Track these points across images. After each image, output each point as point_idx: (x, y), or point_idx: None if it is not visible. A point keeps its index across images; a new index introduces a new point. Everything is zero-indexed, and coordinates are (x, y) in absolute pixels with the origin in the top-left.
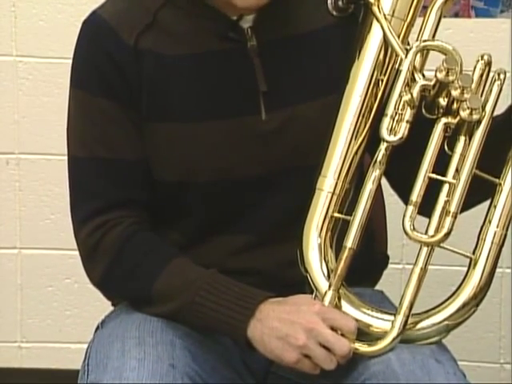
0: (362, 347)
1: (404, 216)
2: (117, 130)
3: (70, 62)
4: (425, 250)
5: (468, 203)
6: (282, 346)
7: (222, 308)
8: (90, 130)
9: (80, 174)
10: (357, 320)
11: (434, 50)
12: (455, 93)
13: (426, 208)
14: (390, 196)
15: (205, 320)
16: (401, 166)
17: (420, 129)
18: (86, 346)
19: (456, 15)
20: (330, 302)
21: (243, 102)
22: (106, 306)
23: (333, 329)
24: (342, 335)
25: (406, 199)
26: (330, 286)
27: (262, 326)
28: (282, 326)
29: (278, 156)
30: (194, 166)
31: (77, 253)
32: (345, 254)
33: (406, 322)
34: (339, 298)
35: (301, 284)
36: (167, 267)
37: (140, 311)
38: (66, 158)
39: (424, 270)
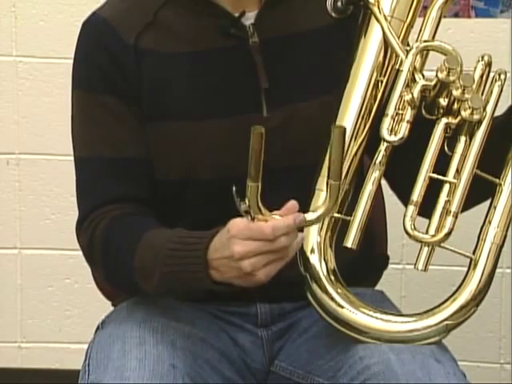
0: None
1: (405, 216)
2: (120, 126)
3: (71, 62)
4: (425, 249)
5: (468, 203)
6: (244, 280)
7: (185, 271)
8: (92, 129)
9: (83, 174)
10: (357, 321)
11: (434, 50)
12: (456, 92)
13: (425, 209)
14: (390, 196)
15: (181, 284)
16: (399, 168)
17: (418, 130)
18: (86, 346)
19: (456, 15)
20: (251, 194)
21: (245, 99)
22: (106, 306)
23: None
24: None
25: (404, 201)
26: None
27: (219, 273)
28: (228, 268)
29: (278, 154)
30: (195, 164)
31: (77, 253)
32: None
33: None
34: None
35: (300, 284)
36: (138, 247)
37: (143, 295)
38: (66, 158)
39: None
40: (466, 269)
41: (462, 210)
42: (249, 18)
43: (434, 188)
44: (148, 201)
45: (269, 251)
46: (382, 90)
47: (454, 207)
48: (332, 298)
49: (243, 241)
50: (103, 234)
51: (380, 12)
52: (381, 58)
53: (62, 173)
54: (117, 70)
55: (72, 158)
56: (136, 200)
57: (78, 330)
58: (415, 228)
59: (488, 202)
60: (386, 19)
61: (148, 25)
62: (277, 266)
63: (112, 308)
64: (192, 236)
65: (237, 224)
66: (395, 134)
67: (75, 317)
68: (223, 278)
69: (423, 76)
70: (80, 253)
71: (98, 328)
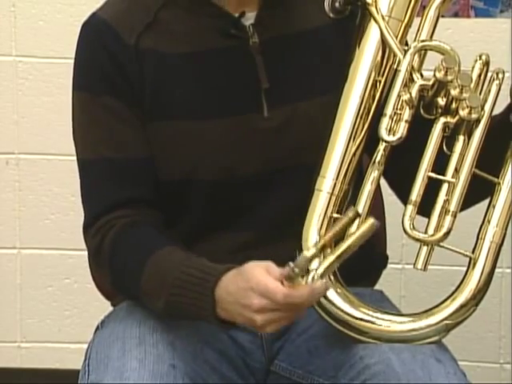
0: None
1: (404, 215)
2: (122, 128)
3: (71, 61)
4: (424, 249)
5: (466, 202)
6: (250, 325)
7: (191, 304)
8: (94, 130)
9: (87, 176)
10: (356, 320)
11: (431, 50)
12: (454, 92)
13: (424, 208)
14: (390, 196)
15: (186, 314)
16: (399, 166)
17: (417, 128)
18: (85, 345)
19: (456, 15)
20: (303, 264)
21: (245, 99)
22: (106, 306)
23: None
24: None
25: (403, 198)
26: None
27: (228, 313)
28: (239, 314)
29: (279, 153)
30: (196, 164)
31: (76, 253)
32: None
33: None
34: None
35: None
36: (147, 264)
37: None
38: (66, 158)
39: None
40: (465, 268)
41: (461, 209)
42: (249, 19)
43: (433, 187)
44: (153, 202)
45: (281, 309)
46: (380, 90)
47: (452, 206)
48: (331, 298)
49: (260, 296)
50: (111, 246)
51: (378, 12)
52: (379, 58)
53: (62, 173)
54: (118, 70)
55: (72, 157)
56: (142, 201)
57: (78, 330)
58: (414, 227)
59: (487, 201)
60: (383, 19)
61: (148, 25)
62: (286, 322)
63: (111, 308)
64: (201, 269)
65: (256, 276)
66: (393, 134)
67: (75, 317)
68: (230, 318)
69: (421, 75)
70: (80, 253)
71: (97, 328)
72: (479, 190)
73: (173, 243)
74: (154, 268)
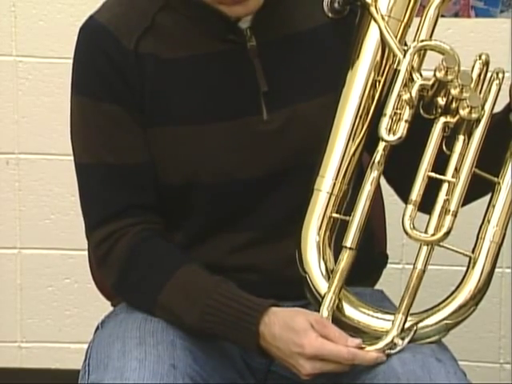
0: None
1: (404, 215)
2: (122, 133)
3: (70, 62)
4: (424, 249)
5: (465, 199)
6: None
7: (228, 331)
8: (94, 136)
9: (87, 181)
10: (356, 320)
11: (431, 49)
12: (454, 91)
13: (426, 205)
14: (390, 196)
15: (215, 335)
16: (398, 164)
17: (417, 127)
18: (85, 345)
19: (456, 15)
20: (329, 307)
21: (244, 102)
22: (106, 306)
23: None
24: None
25: (402, 196)
26: (329, 288)
27: (271, 346)
28: (284, 361)
29: (280, 155)
30: (197, 168)
31: (77, 253)
32: (345, 255)
33: (405, 321)
34: (340, 300)
35: (301, 281)
36: (170, 281)
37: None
38: (66, 157)
39: (423, 271)
40: (465, 268)
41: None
42: (245, 22)
43: (434, 184)
44: (154, 207)
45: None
46: (379, 90)
47: (452, 206)
48: (331, 298)
49: (315, 362)
50: (126, 256)
51: (377, 12)
52: (378, 58)
53: (62, 173)
54: (117, 75)
55: (72, 157)
56: (144, 208)
57: (78, 330)
58: (414, 227)
59: (487, 201)
60: (383, 19)
61: (147, 29)
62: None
63: (111, 308)
64: (241, 302)
65: (310, 342)
66: (394, 134)
67: (75, 317)
68: (274, 353)
69: (421, 75)
70: (80, 253)
71: (97, 328)
72: (477, 188)
73: (192, 260)
74: (175, 288)
